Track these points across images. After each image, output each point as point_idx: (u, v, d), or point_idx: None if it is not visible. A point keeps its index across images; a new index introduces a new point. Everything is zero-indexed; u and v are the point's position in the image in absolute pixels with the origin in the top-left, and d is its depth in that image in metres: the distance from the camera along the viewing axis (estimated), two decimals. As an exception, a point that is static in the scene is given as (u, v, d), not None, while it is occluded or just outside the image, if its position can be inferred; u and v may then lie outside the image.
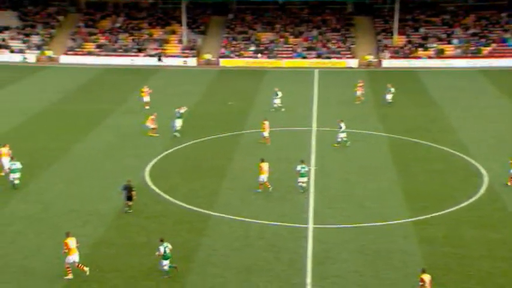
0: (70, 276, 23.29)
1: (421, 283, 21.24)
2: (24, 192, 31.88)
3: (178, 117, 41.19)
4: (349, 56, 69.56)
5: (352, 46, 71.09)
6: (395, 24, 70.70)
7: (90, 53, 72.69)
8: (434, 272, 23.79)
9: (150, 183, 33.24)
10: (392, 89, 49.80)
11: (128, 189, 29.11)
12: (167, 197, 31.07)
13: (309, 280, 23.52)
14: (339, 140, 38.95)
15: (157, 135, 40.96)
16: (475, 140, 40.09)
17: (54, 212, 29.64)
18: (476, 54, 67.60)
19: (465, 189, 31.96)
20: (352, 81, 60.17)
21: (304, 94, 55.05)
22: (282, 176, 34.30)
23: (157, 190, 32.10)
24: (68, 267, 23.33)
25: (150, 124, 41.29)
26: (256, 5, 78.58)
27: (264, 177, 31.85)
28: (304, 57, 70.06)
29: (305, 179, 31.98)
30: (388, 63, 67.77)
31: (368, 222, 28.36)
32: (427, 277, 21.33)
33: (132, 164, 36.15)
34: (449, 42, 70.04)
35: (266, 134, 39.83)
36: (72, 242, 23.40)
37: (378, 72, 65.13)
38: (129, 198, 29.16)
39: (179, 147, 39.48)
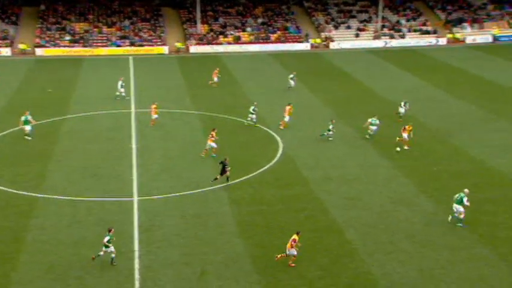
0: None
1: (293, 242, 21.97)
2: None
3: (26, 122, 35.73)
4: (160, 43, 68.75)
5: (162, 35, 70.32)
6: (198, 15, 71.39)
7: None
8: (242, 228, 24.99)
9: (-27, 172, 30.11)
10: (294, 77, 49.07)
11: (223, 164, 28.72)
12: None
13: (136, 247, 23.26)
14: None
15: None
16: (270, 112, 42.22)
17: None
18: (266, 40, 70.88)
19: (265, 155, 33.64)
20: (165, 66, 60.10)
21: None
22: (107, 156, 33.28)
23: (-19, 178, 29.19)
24: None
25: None
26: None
27: (212, 144, 32.67)
28: (119, 46, 67.80)
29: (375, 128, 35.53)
30: (194, 49, 68.32)
31: (187, 191, 28.68)
32: (295, 237, 22.10)
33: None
34: (244, 30, 72.51)
35: (156, 116, 38.44)
36: None
37: (187, 58, 65.42)
38: (222, 172, 28.75)
39: None
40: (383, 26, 73.57)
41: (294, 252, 21.96)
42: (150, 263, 22.18)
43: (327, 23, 74.68)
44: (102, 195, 28.02)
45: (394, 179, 30.23)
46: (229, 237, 24.29)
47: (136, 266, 22.02)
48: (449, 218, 25.26)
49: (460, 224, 24.95)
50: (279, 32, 72.01)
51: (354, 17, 76.01)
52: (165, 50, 67.67)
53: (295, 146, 35.18)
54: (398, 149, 33.84)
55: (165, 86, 51.01)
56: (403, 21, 75.15)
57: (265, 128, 38.60)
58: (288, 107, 38.78)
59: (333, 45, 70.60)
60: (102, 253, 22.06)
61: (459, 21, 75.24)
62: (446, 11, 77.98)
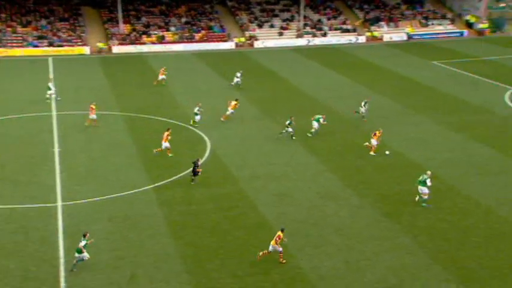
0: None
1: (278, 239, 22.02)
2: None
3: None
4: (81, 44, 66.56)
5: (82, 35, 68.12)
6: (120, 14, 69.76)
7: None
8: (172, 228, 24.72)
9: None
10: (240, 75, 49.49)
11: (194, 164, 28.63)
12: None
13: (61, 254, 22.48)
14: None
15: None
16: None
17: None
18: (190, 40, 70.40)
19: (194, 155, 33.34)
20: (87, 67, 58.44)
21: (41, 81, 51.23)
22: (27, 161, 31.88)
23: None
24: None
25: None
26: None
27: (165, 144, 32.31)
28: (36, 46, 64.98)
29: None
30: (117, 49, 66.68)
31: (114, 194, 27.99)
32: (280, 233, 22.13)
33: None
34: (167, 30, 71.65)
35: (94, 116, 37.65)
36: None
37: (110, 58, 63.76)
38: (194, 173, 28.71)
39: None
40: (305, 25, 75.07)
41: (279, 248, 22.06)
42: (76, 269, 21.45)
43: (250, 22, 75.22)
44: (22, 202, 26.79)
45: (321, 175, 30.93)
46: (159, 238, 23.96)
47: (62, 273, 21.27)
48: (417, 198, 26.88)
49: (424, 204, 26.73)
50: (203, 32, 71.73)
51: (276, 16, 77.03)
52: (86, 50, 65.59)
53: (223, 145, 35.19)
54: (387, 152, 33.13)
55: (88, 87, 49.51)
56: (324, 20, 77.02)
57: (192, 128, 38.34)
58: (233, 102, 39.78)
59: (257, 44, 71.20)
60: (75, 261, 21.44)
61: (376, 20, 78.12)
62: (364, 10, 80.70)
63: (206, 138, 36.38)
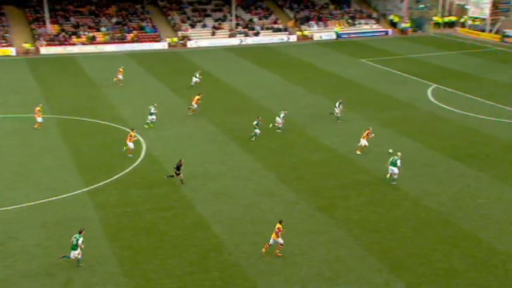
0: None
1: (278, 231, 22.44)
2: None
3: None
4: (5, 44, 63.63)
5: (6, 35, 65.15)
6: (47, 14, 67.25)
7: None
8: (108, 231, 24.22)
9: None
10: (199, 75, 49.55)
11: (177, 166, 28.55)
12: None
13: (-8, 263, 21.53)
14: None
15: None
16: (131, 113, 41.25)
17: None
18: (122, 40, 68.95)
19: (128, 156, 32.80)
20: (13, 69, 56.11)
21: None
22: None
23: None
24: None
25: None
26: None
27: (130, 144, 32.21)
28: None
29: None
30: (45, 50, 64.27)
31: (47, 198, 27.07)
32: (279, 225, 22.51)
33: None
34: (98, 30, 69.86)
35: (40, 119, 36.83)
36: None
37: (38, 59, 61.36)
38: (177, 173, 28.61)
39: None
40: (237, 25, 75.30)
41: (281, 240, 22.43)
42: (6, 277, 20.65)
43: (182, 22, 74.59)
44: None
45: (256, 172, 31.18)
46: (95, 241, 23.40)
47: (-8, 283, 20.39)
48: (388, 176, 29.29)
49: (394, 183, 29.23)
50: (134, 32, 70.43)
51: (209, 16, 76.82)
52: (12, 51, 62.85)
53: (158, 146, 34.78)
54: (390, 150, 32.22)
55: (16, 89, 47.46)
56: (255, 20, 77.57)
57: (127, 129, 37.58)
58: (196, 97, 40.89)
59: (191, 44, 70.75)
60: (74, 257, 21.27)
61: (306, 20, 79.54)
62: (294, 10, 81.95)
63: (141, 139, 35.81)
